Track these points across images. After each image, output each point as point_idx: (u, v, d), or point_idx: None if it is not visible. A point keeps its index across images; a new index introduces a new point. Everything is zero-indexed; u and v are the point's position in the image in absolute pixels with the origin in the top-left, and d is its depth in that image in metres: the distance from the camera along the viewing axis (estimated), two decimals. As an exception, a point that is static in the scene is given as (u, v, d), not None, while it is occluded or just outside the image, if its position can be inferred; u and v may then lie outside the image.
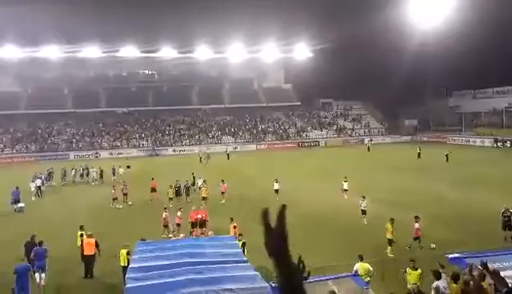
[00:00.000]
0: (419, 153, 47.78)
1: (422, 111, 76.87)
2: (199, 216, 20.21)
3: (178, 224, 20.30)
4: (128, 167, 44.56)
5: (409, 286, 12.06)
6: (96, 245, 16.18)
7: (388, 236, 16.78)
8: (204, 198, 26.36)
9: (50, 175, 38.39)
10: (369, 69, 69.23)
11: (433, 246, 16.85)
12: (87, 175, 39.46)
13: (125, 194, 28.04)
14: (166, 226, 20.37)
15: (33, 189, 31.73)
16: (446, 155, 43.25)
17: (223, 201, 26.94)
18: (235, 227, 17.50)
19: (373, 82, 72.44)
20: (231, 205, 25.66)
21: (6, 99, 70.55)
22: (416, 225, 17.09)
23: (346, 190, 27.00)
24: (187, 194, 27.98)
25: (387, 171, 38.04)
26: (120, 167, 40.73)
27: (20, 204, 27.61)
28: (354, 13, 62.38)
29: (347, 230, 20.21)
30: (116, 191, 27.85)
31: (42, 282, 14.60)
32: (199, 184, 29.41)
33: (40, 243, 15.54)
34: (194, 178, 31.90)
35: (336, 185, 28.87)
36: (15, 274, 13.10)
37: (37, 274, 14.43)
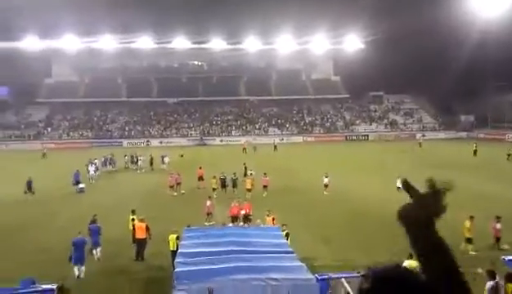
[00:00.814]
0: (475, 151, 45.36)
1: (480, 106, 72.72)
2: (243, 212, 19.62)
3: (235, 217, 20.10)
4: (182, 155, 45.93)
5: None
6: (147, 229, 16.77)
7: (467, 234, 16.12)
8: (248, 190, 26.39)
9: (106, 161, 40.10)
10: (423, 60, 66.26)
11: (505, 247, 16.03)
12: (136, 162, 40.50)
13: (178, 183, 28.55)
14: (209, 214, 20.71)
15: (91, 172, 33.81)
16: (509, 154, 40.65)
17: (265, 194, 26.71)
18: (273, 219, 17.44)
19: (427, 75, 69.38)
20: (275, 198, 25.50)
21: (65, 87, 74.64)
22: (498, 226, 16.33)
23: (400, 188, 26.06)
24: (234, 186, 27.66)
25: (440, 168, 36.38)
26: (166, 155, 40.93)
27: (81, 185, 30.06)
28: (409, 1, 59.86)
29: (398, 228, 19.61)
30: (172, 179, 28.47)
31: (99, 255, 16.20)
32: (250, 174, 29.36)
33: (94, 221, 17.06)
34: (245, 169, 31.89)
35: (387, 181, 28.08)
36: (73, 246, 14.69)
37: (94, 251, 16.14)
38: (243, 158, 40.48)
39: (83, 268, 14.78)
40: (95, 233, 16.53)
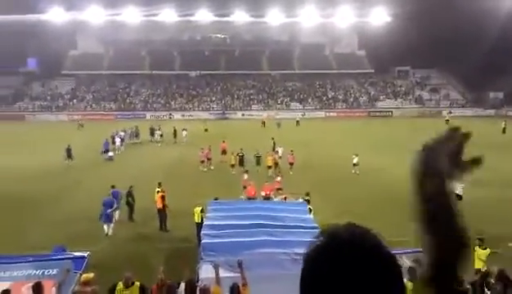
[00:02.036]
0: (504, 128, 44.13)
1: (509, 83, 69.97)
2: (263, 194, 18.67)
3: (279, 189, 20.03)
4: (206, 130, 45.88)
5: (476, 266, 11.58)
6: (163, 199, 17.09)
7: None
8: (269, 167, 25.90)
9: (132, 134, 40.47)
10: (451, 34, 63.77)
11: None
12: (153, 134, 40.36)
13: (209, 159, 28.21)
14: (245, 187, 20.82)
15: (117, 144, 34.59)
16: None
17: (291, 172, 26.10)
18: (285, 198, 17.51)
19: (455, 50, 66.87)
20: (299, 175, 25.18)
21: (90, 59, 75.23)
22: None
23: None
24: (258, 164, 26.94)
25: (468, 147, 35.41)
26: (186, 129, 40.74)
27: (110, 153, 31.62)
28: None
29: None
30: (203, 154, 28.03)
31: (116, 217, 17.59)
32: (280, 152, 28.67)
33: (113, 187, 18.25)
34: (274, 144, 31.51)
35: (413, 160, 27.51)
36: (103, 206, 16.41)
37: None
38: (266, 133, 40.30)
39: (112, 225, 16.50)
40: (116, 196, 17.72)
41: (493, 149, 33.78)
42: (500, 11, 57.32)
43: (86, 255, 10.30)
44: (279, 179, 20.73)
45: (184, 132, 39.96)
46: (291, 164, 26.81)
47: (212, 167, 28.16)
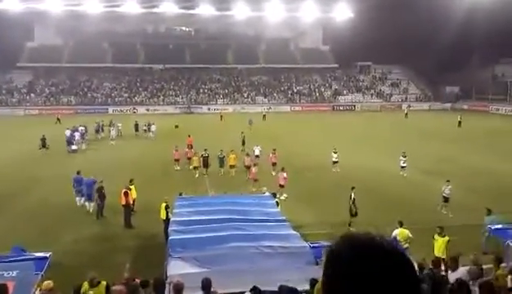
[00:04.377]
0: (459, 122, 46.18)
1: (464, 78, 73.16)
2: None
3: (282, 186, 19.46)
4: (176, 126, 43.99)
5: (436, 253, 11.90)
6: (126, 195, 16.71)
7: None
8: (232, 167, 24.21)
9: (98, 128, 38.88)
10: (411, 31, 65.87)
11: None
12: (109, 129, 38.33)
13: (189, 158, 25.56)
14: (256, 180, 20.58)
15: (77, 138, 33.34)
16: None
17: (274, 173, 23.19)
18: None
19: (415, 46, 69.19)
20: (268, 173, 23.34)
21: (48, 51, 72.03)
22: None
23: (403, 167, 24.49)
24: (221, 166, 24.68)
25: (427, 139, 36.82)
26: (153, 123, 39.20)
27: (73, 147, 31.66)
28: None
29: (390, 200, 19.90)
30: (178, 153, 25.96)
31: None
32: (257, 152, 26.59)
33: (79, 172, 19.30)
34: (244, 137, 30.64)
35: (380, 154, 28.33)
36: (86, 186, 18.00)
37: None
38: (228, 128, 40.00)
39: (92, 204, 17.78)
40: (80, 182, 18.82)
41: (451, 142, 35.37)
42: (457, 10, 59.70)
43: (48, 255, 9.95)
44: (285, 175, 19.63)
45: (153, 127, 38.78)
46: (274, 164, 24.18)
47: (191, 167, 24.89)
